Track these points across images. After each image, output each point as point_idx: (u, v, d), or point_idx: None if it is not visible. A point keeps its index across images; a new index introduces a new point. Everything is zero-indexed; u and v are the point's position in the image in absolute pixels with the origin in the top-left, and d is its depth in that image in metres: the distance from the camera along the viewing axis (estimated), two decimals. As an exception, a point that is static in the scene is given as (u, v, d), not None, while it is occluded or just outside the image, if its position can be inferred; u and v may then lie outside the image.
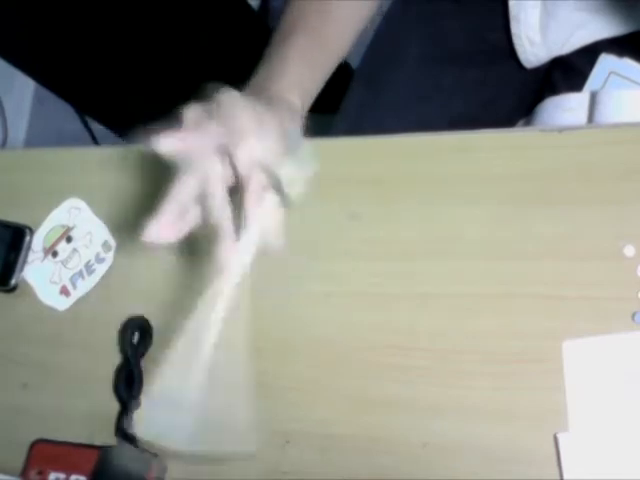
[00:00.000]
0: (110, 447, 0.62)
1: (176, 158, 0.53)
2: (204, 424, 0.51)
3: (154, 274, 0.67)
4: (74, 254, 0.71)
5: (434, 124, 0.75)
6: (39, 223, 0.73)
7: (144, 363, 0.63)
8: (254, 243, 0.51)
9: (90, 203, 0.72)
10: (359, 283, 0.60)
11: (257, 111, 0.53)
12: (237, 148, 0.50)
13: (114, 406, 0.63)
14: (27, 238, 0.72)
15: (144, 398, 0.60)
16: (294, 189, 0.53)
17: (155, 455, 0.60)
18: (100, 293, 0.69)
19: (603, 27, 0.71)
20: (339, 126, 0.78)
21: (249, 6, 1.41)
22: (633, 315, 0.52)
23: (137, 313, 0.65)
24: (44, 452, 0.63)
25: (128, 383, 0.63)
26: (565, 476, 0.50)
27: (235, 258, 0.50)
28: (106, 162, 0.74)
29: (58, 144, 0.85)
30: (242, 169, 0.50)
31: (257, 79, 0.60)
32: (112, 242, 0.70)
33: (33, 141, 1.68)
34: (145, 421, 0.55)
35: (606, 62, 0.71)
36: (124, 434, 0.62)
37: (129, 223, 0.69)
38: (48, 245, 0.72)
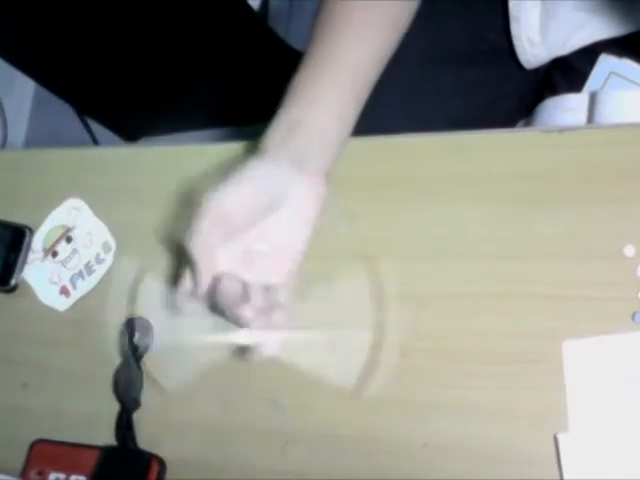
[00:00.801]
0: (110, 447, 0.62)
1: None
2: None
3: (154, 274, 0.67)
4: (74, 254, 0.71)
5: (434, 124, 0.74)
6: (39, 223, 0.73)
7: (144, 363, 0.63)
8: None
9: (90, 203, 0.72)
10: (359, 283, 0.60)
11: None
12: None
13: (114, 406, 0.63)
14: (27, 238, 0.72)
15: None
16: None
17: (155, 455, 0.60)
18: (100, 293, 0.69)
19: (603, 28, 0.71)
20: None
21: (249, 6, 1.41)
22: (633, 315, 0.52)
23: (137, 313, 0.65)
24: (44, 452, 0.63)
25: (128, 383, 0.63)
26: (565, 476, 0.50)
27: None
28: (106, 162, 0.74)
29: (58, 144, 0.84)
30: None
31: (294, 106, 0.57)
32: (112, 242, 0.70)
33: (33, 141, 1.68)
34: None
35: (606, 62, 0.71)
36: (124, 434, 0.62)
37: (129, 223, 0.69)
38: (48, 245, 0.72)
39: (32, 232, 0.73)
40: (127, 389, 0.63)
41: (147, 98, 1.62)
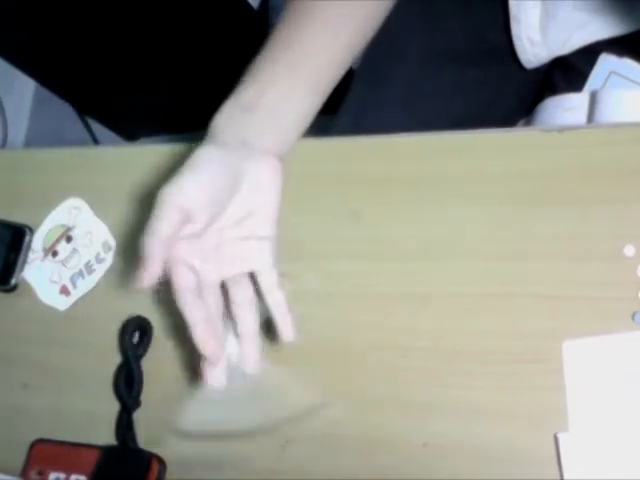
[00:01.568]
0: (110, 447, 0.62)
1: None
2: None
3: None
4: (74, 254, 0.71)
5: (434, 124, 0.74)
6: (39, 223, 0.73)
7: (144, 363, 0.63)
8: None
9: (90, 203, 0.72)
10: (360, 283, 0.60)
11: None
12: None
13: (114, 406, 0.63)
14: (27, 238, 0.72)
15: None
16: None
17: (155, 455, 0.60)
18: (100, 293, 0.69)
19: (603, 27, 0.71)
20: (339, 126, 0.78)
21: (249, 5, 1.41)
22: (633, 315, 0.52)
23: (137, 313, 0.65)
24: (44, 452, 0.63)
25: (128, 383, 0.63)
26: (565, 476, 0.50)
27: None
28: (106, 162, 0.74)
29: (58, 144, 0.84)
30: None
31: (248, 90, 0.58)
32: (112, 242, 0.70)
33: (33, 141, 1.68)
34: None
35: (606, 62, 0.71)
36: (124, 434, 0.62)
37: (129, 223, 0.69)
38: (48, 245, 0.72)
39: (32, 232, 0.73)
40: (127, 389, 0.63)
41: (147, 98, 1.63)
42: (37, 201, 0.74)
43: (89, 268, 0.70)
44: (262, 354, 0.56)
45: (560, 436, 0.50)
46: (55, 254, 0.72)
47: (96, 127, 1.79)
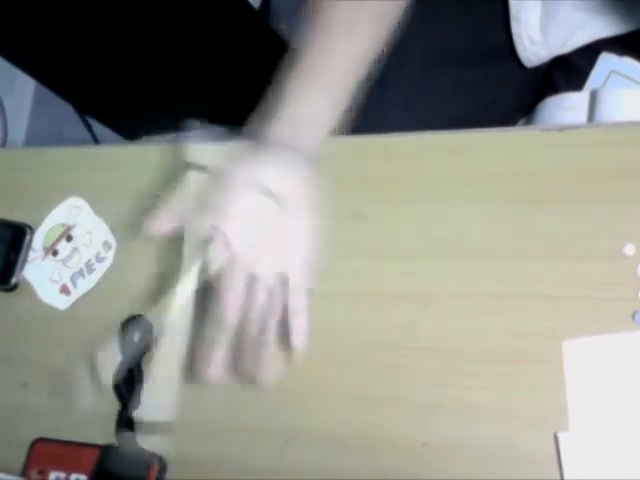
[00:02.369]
0: (110, 447, 0.62)
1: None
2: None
3: (154, 273, 0.67)
4: (74, 253, 0.71)
5: (435, 123, 0.74)
6: (39, 222, 0.73)
7: (144, 363, 0.63)
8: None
9: (90, 202, 0.72)
10: (360, 283, 0.60)
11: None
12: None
13: (114, 406, 0.63)
14: (27, 237, 0.72)
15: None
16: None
17: (155, 455, 0.60)
18: (100, 292, 0.69)
19: (603, 26, 0.71)
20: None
21: (249, 6, 1.41)
22: (633, 315, 0.51)
23: (137, 313, 0.65)
24: (44, 451, 0.63)
25: (128, 383, 0.63)
26: (565, 476, 0.50)
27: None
28: (106, 161, 0.74)
29: (58, 143, 0.85)
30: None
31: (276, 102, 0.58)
32: (112, 241, 0.70)
33: (33, 141, 1.68)
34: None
35: (606, 61, 0.71)
36: (124, 433, 0.62)
37: (129, 222, 0.69)
38: (48, 244, 0.72)
39: (32, 231, 0.73)
40: (127, 389, 0.62)
41: (147, 97, 1.62)
42: (37, 200, 0.74)
43: (89, 267, 0.70)
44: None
45: (560, 436, 0.50)
46: (55, 253, 0.72)
47: (96, 126, 1.78)
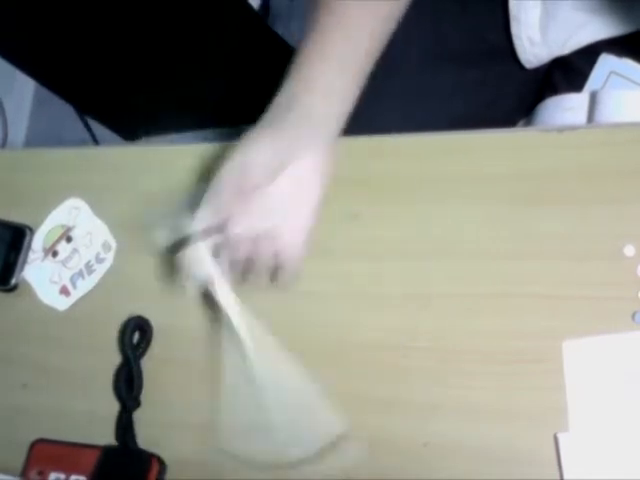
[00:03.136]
0: (110, 447, 0.62)
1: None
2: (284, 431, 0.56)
3: (154, 274, 0.67)
4: (74, 254, 0.71)
5: (434, 124, 0.74)
6: (39, 223, 0.73)
7: (144, 363, 0.63)
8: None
9: (90, 203, 0.72)
10: (359, 283, 0.60)
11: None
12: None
13: (114, 406, 0.63)
14: (27, 238, 0.72)
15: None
16: None
17: (155, 455, 0.60)
18: (100, 293, 0.69)
19: (603, 27, 0.71)
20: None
21: (249, 6, 1.41)
22: (633, 315, 0.52)
23: (137, 313, 0.65)
24: (44, 452, 0.63)
25: (128, 383, 0.63)
26: (565, 476, 0.50)
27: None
28: (106, 162, 0.74)
29: (58, 144, 0.84)
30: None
31: (288, 89, 0.59)
32: (112, 242, 0.70)
33: (33, 141, 1.68)
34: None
35: (606, 62, 0.71)
36: (124, 434, 0.62)
37: (129, 223, 0.69)
38: (48, 245, 0.72)
39: (32, 232, 0.73)
40: (127, 389, 0.63)
41: (147, 98, 1.62)
42: (37, 201, 0.74)
43: (89, 268, 0.70)
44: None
45: (560, 436, 0.50)
46: (55, 254, 0.72)
47: (96, 127, 1.79)
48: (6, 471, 0.64)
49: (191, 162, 0.69)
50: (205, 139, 1.67)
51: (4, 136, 1.62)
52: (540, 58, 0.76)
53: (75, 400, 0.66)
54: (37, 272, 0.72)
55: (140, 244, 0.68)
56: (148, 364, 0.63)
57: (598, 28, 0.72)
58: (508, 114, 0.80)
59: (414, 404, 0.55)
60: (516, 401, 0.53)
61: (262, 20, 1.50)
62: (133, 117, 1.74)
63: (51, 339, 0.69)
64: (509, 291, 0.55)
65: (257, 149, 0.57)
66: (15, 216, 0.73)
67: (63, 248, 0.72)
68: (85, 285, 0.69)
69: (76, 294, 0.69)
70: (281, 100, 0.59)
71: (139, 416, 0.62)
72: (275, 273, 0.60)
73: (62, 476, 0.62)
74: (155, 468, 0.59)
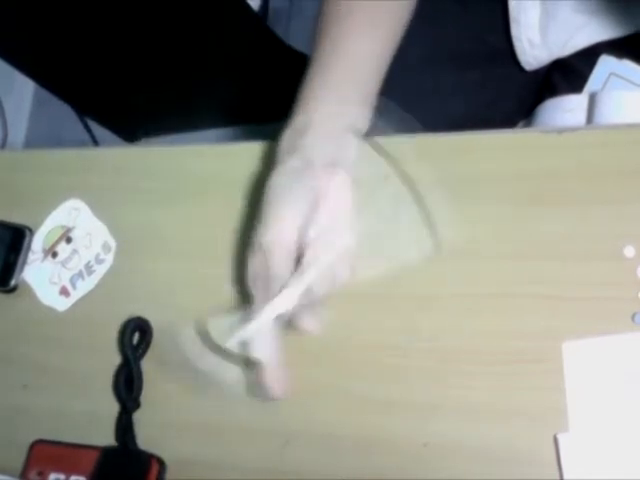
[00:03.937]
0: (110, 448, 0.62)
1: None
2: None
3: (154, 274, 0.67)
4: (74, 255, 0.71)
5: (434, 125, 0.75)
6: (39, 224, 0.73)
7: (144, 364, 0.63)
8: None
9: (90, 204, 0.72)
10: (359, 283, 0.60)
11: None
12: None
13: (114, 406, 0.63)
14: (27, 239, 0.72)
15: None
16: None
17: (155, 455, 0.60)
18: (100, 294, 0.69)
19: (603, 29, 0.71)
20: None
21: (249, 6, 1.41)
22: (633, 315, 0.52)
23: (137, 313, 0.65)
24: (44, 452, 0.63)
25: (128, 383, 0.63)
26: (565, 476, 0.50)
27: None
28: (106, 163, 0.74)
29: (58, 145, 0.84)
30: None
31: (311, 90, 0.58)
32: (112, 243, 0.70)
33: (33, 141, 1.68)
34: None
35: (606, 64, 0.71)
36: (124, 434, 0.62)
37: (129, 224, 0.69)
38: (48, 246, 0.72)
39: (32, 232, 0.73)
40: (127, 390, 0.63)
41: (147, 98, 1.62)
42: (37, 202, 0.74)
43: (89, 269, 0.70)
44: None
45: (560, 436, 0.51)
46: (55, 255, 0.72)
47: (96, 128, 1.79)
48: (6, 471, 0.64)
49: (191, 163, 0.70)
50: (205, 140, 1.67)
51: (4, 137, 1.62)
52: (540, 60, 0.76)
53: (75, 401, 0.66)
54: (37, 273, 0.72)
55: (140, 245, 0.68)
56: (148, 365, 0.63)
57: (598, 30, 0.72)
58: (508, 115, 0.80)
59: (414, 404, 0.55)
60: (516, 401, 0.53)
61: (262, 20, 1.51)
62: (133, 118, 1.74)
63: (51, 340, 0.69)
64: (509, 291, 0.55)
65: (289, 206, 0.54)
66: (15, 217, 0.73)
67: (63, 249, 0.72)
68: (85, 286, 0.69)
69: (76, 295, 0.69)
70: (291, 127, 0.57)
71: (139, 417, 0.62)
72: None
73: (62, 476, 0.62)
74: (155, 468, 0.59)
